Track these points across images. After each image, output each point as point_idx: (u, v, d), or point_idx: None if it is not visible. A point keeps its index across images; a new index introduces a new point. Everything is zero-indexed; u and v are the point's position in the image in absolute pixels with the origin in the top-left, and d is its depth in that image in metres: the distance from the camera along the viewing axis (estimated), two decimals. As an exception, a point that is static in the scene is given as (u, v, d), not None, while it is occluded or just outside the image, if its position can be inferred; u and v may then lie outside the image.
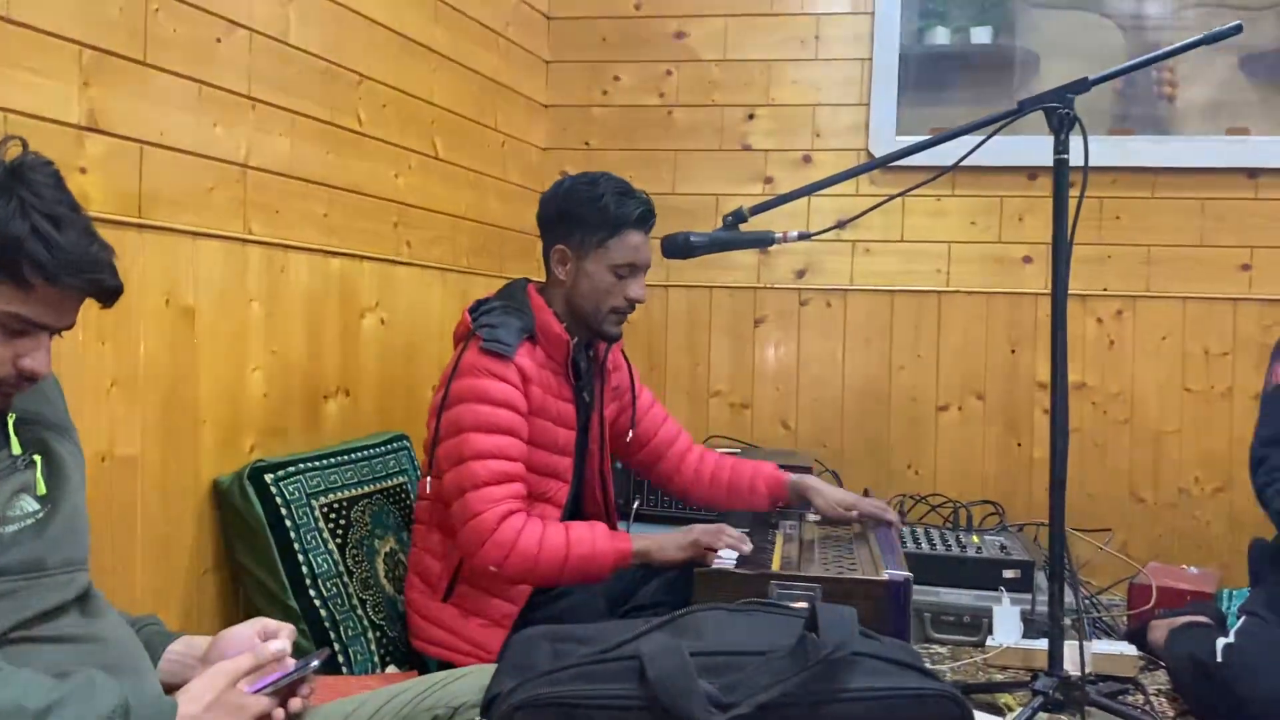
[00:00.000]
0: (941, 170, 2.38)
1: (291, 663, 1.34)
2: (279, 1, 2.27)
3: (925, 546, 2.83)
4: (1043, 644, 2.17)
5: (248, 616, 1.47)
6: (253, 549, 2.11)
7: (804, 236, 2.38)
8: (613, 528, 2.31)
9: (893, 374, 3.51)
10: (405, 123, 2.77)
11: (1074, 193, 2.08)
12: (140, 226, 1.91)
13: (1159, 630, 2.56)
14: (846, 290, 3.53)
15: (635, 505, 3.12)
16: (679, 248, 2.35)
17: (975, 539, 2.91)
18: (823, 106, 3.53)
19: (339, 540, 2.21)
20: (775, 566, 2.09)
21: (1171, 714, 2.28)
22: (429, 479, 2.15)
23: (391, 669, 2.20)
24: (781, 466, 2.50)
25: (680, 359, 3.63)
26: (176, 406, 2.01)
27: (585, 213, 2.20)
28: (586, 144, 3.67)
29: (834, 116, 3.53)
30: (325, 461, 2.29)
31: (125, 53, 1.86)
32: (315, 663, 1.34)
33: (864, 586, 1.97)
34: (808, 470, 2.60)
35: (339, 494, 2.27)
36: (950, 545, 2.85)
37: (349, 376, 2.56)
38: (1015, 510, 3.27)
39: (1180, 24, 3.42)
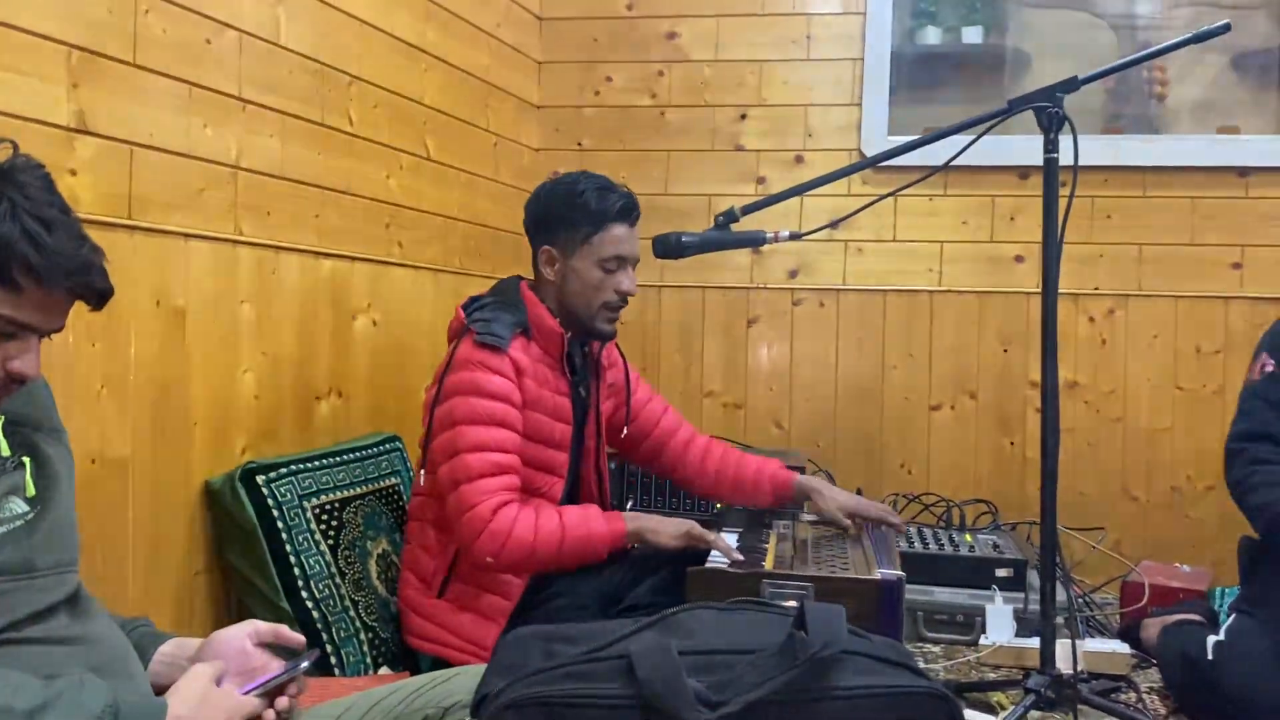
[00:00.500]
0: (932, 170, 2.39)
1: (281, 664, 1.34)
2: (269, 2, 2.27)
3: (918, 545, 2.83)
4: (1035, 642, 2.18)
5: (240, 618, 1.47)
6: (244, 550, 2.11)
7: (795, 236, 2.38)
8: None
9: (885, 373, 3.51)
10: (396, 123, 2.77)
11: (1065, 192, 2.08)
12: (130, 228, 1.90)
13: (1151, 628, 2.57)
14: (839, 290, 3.54)
15: (630, 505, 3.13)
16: (671, 248, 2.35)
17: (968, 538, 2.92)
18: (814, 107, 3.54)
19: (331, 542, 2.21)
20: (769, 565, 2.09)
21: (1163, 712, 2.29)
22: (423, 473, 2.15)
23: (384, 670, 2.20)
24: (779, 466, 2.51)
25: (673, 359, 3.63)
26: (167, 408, 2.01)
27: (567, 211, 2.21)
28: (578, 144, 3.67)
29: (826, 117, 3.53)
30: (317, 463, 2.29)
31: (115, 54, 1.86)
32: (306, 664, 1.34)
33: (856, 586, 1.98)
34: (800, 470, 2.60)
35: (331, 495, 2.27)
36: (943, 544, 2.85)
37: (341, 377, 2.56)
38: (1008, 509, 3.27)
39: (1171, 23, 3.43)
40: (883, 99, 3.47)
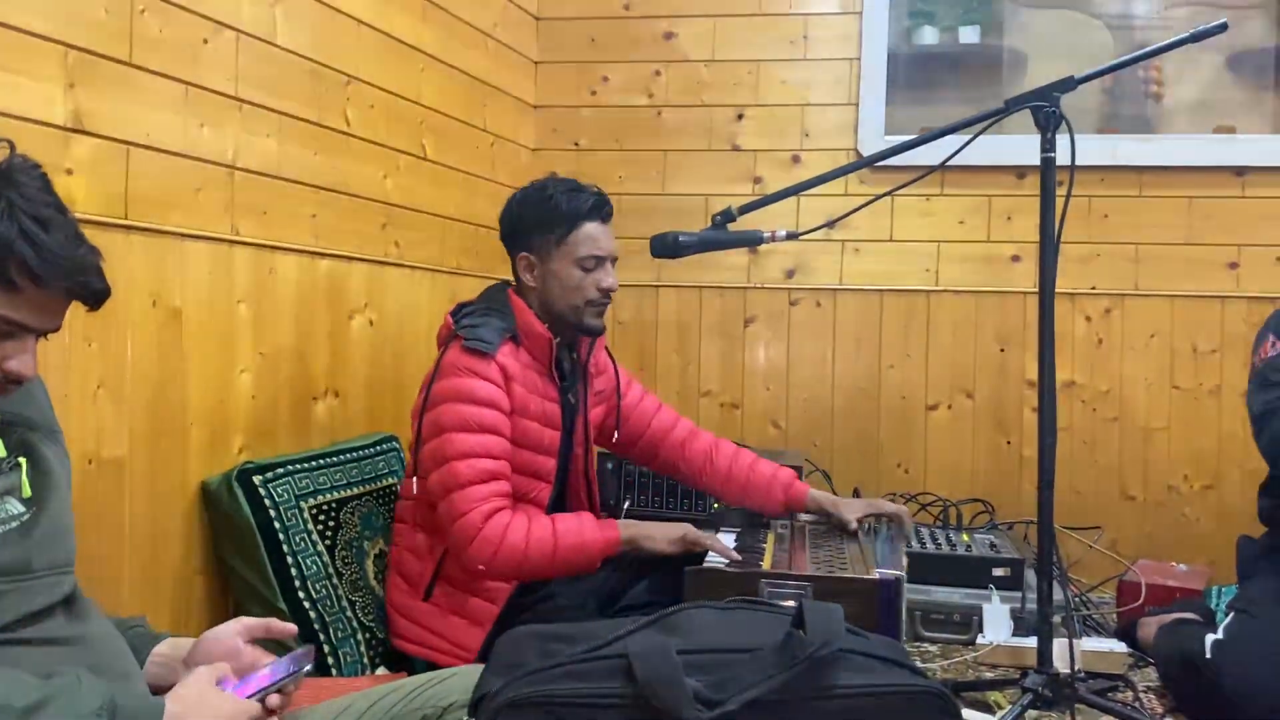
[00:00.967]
0: (929, 169, 2.39)
1: (278, 663, 1.33)
2: (266, 2, 2.26)
3: (915, 545, 2.83)
4: (1032, 641, 2.18)
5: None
6: (241, 551, 2.10)
7: (792, 236, 2.38)
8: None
9: (882, 373, 3.51)
10: (393, 123, 2.77)
11: (1061, 191, 2.08)
12: (127, 228, 1.90)
13: (1148, 627, 2.57)
14: (836, 290, 3.54)
15: (626, 505, 3.13)
16: (668, 247, 2.35)
17: (965, 537, 2.92)
18: (811, 106, 3.54)
19: (328, 542, 2.21)
20: (767, 565, 2.09)
21: (1160, 710, 2.29)
22: (414, 479, 2.15)
23: (381, 670, 2.19)
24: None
25: (670, 359, 3.63)
26: (164, 408, 2.01)
27: (539, 216, 2.23)
28: (575, 144, 3.67)
29: (823, 116, 3.53)
30: (314, 463, 2.29)
31: (111, 54, 1.85)
32: (308, 666, 1.33)
33: (855, 585, 1.98)
34: (798, 470, 2.60)
35: (328, 495, 2.27)
36: (940, 543, 2.86)
37: (338, 378, 2.56)
38: (1005, 508, 3.27)
39: (1167, 23, 3.43)
40: (879, 99, 3.47)
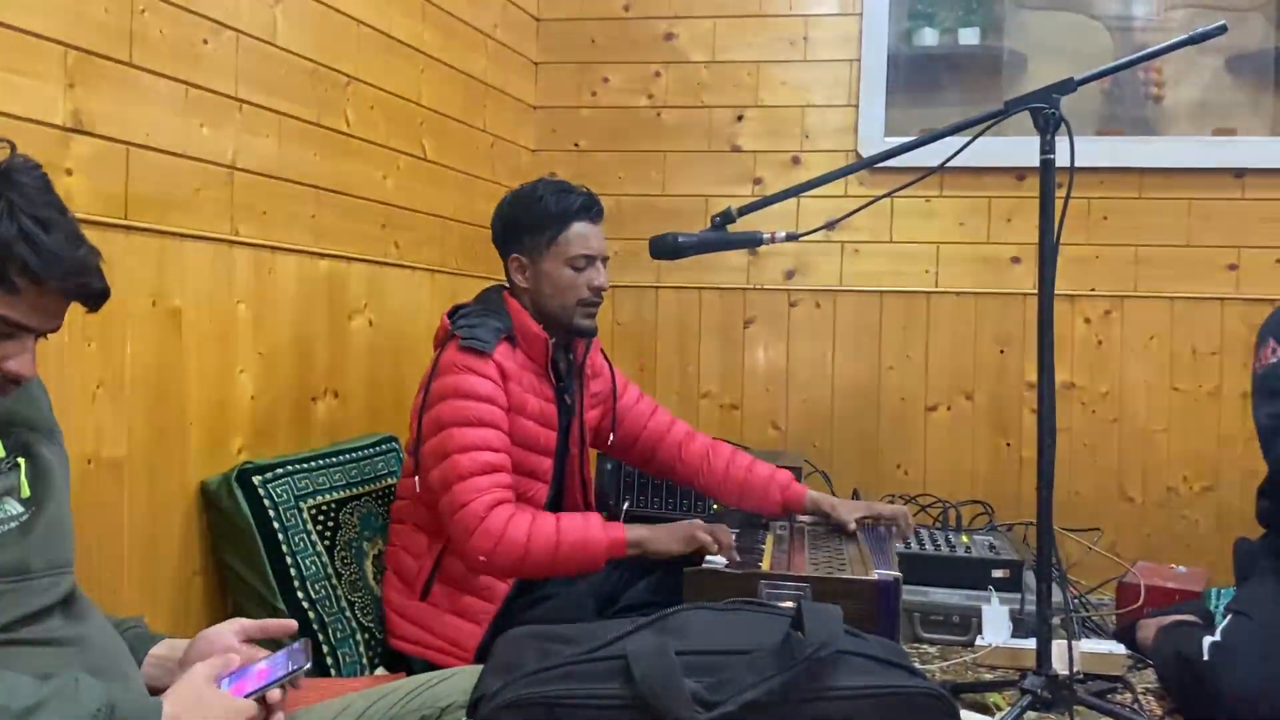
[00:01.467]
0: (929, 171, 2.39)
1: (275, 658, 1.33)
2: (266, 3, 2.27)
3: (914, 546, 2.83)
4: (1031, 643, 2.18)
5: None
6: (241, 551, 2.10)
7: (792, 237, 2.38)
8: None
9: (882, 374, 3.51)
10: (393, 124, 2.77)
11: (1061, 193, 2.08)
12: (127, 228, 1.90)
13: (1147, 629, 2.57)
14: (836, 291, 3.54)
15: (625, 505, 3.13)
16: (667, 248, 2.35)
17: (964, 539, 2.92)
18: (811, 108, 3.54)
19: (327, 542, 2.21)
20: (765, 566, 2.09)
21: (1159, 712, 2.29)
22: (413, 479, 2.15)
23: (380, 671, 2.19)
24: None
25: (670, 360, 3.63)
26: (163, 409, 2.01)
27: (529, 217, 2.24)
28: (575, 145, 3.67)
29: (823, 118, 3.53)
30: (313, 463, 2.29)
31: (111, 54, 1.85)
32: (307, 664, 1.33)
33: (853, 586, 1.98)
34: (797, 471, 2.60)
35: (327, 496, 2.27)
36: (939, 545, 2.86)
37: (337, 378, 2.56)
38: (1004, 510, 3.27)
39: (1167, 25, 3.43)
40: (879, 100, 3.47)
